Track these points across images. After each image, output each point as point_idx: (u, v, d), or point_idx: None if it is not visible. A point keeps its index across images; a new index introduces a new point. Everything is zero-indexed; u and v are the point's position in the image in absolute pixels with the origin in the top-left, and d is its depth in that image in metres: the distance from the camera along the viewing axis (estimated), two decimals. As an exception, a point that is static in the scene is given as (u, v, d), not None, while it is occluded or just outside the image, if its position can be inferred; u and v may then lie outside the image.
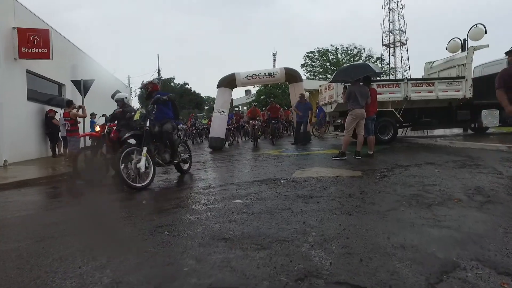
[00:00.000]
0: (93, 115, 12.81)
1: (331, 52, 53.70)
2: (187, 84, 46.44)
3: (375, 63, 42.49)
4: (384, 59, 54.43)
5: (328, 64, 53.73)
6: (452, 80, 9.84)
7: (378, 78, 9.62)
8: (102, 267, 2.06)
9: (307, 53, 52.05)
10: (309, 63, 53.16)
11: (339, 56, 53.77)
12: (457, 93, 9.71)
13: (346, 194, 3.70)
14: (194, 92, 46.26)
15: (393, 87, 9.70)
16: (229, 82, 12.44)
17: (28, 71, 11.14)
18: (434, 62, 11.44)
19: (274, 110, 14.27)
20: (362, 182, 4.39)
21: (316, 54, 53.58)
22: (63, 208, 4.25)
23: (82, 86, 10.21)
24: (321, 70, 52.80)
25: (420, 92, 9.58)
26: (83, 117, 8.96)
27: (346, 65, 6.96)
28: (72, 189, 5.91)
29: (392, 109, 9.63)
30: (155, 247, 2.36)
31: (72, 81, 10.44)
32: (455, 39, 11.11)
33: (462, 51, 10.78)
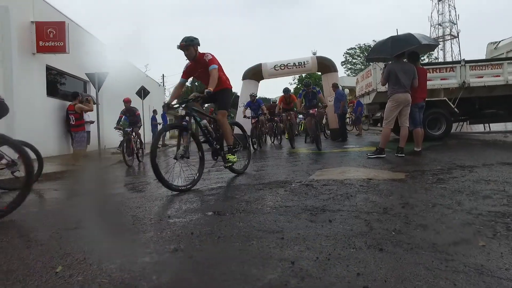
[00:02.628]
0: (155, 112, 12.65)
1: (373, 47, 50.67)
2: (224, 84, 46.24)
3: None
4: (432, 53, 50.43)
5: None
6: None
7: (426, 59, 7.93)
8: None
9: (348, 49, 49.79)
10: (350, 60, 50.87)
11: (382, 51, 50.63)
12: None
13: (380, 207, 2.38)
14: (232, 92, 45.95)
15: (446, 71, 7.97)
16: (254, 74, 11.33)
17: (48, 67, 10.85)
18: (499, 42, 9.41)
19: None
20: (406, 188, 3.02)
21: (357, 50, 51.12)
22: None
23: (97, 80, 9.63)
24: (363, 67, 50.19)
25: (482, 77, 7.73)
26: (89, 110, 8.32)
27: (385, 38, 5.46)
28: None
29: (445, 98, 7.89)
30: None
31: (87, 74, 9.92)
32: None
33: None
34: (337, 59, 53.74)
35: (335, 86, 10.01)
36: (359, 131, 13.25)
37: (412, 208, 2.32)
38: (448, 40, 56.77)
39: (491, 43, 9.62)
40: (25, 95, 9.34)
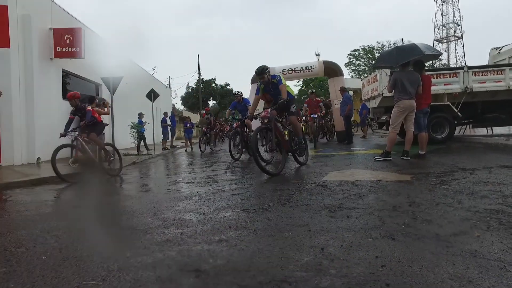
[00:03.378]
0: (141, 115, 12.89)
1: (377, 49, 50.98)
2: (229, 85, 46.54)
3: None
4: (441, 59, 50.36)
5: (374, 62, 50.92)
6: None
7: (430, 66, 8.23)
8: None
9: (351, 51, 49.84)
10: (354, 61, 50.87)
11: (386, 53, 50.76)
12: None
13: (389, 205, 2.72)
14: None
15: (449, 77, 8.27)
16: (262, 78, 11.67)
17: (64, 71, 11.27)
18: (502, 47, 9.70)
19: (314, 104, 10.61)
20: (412, 189, 3.36)
21: (361, 52, 51.19)
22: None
23: (111, 84, 10.02)
24: (366, 68, 50.35)
25: (484, 82, 8.04)
26: (106, 114, 8.70)
27: (390, 48, 5.77)
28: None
29: (448, 102, 8.20)
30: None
31: (102, 78, 10.32)
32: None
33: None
34: (340, 60, 53.81)
35: (342, 90, 10.33)
36: (364, 133, 13.57)
37: (418, 206, 2.65)
38: (452, 41, 56.71)
39: (494, 48, 9.90)
40: (43, 98, 9.75)
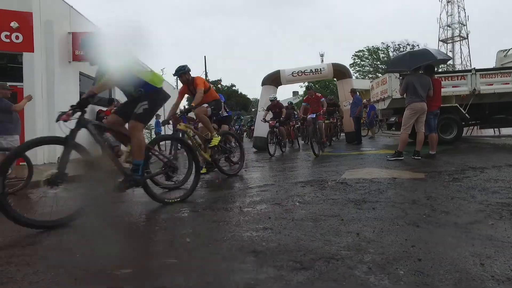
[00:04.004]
0: (158, 116, 13.19)
1: (381, 50, 51.11)
2: (234, 85, 46.95)
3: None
4: (452, 64, 50.24)
5: (378, 63, 51.09)
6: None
7: (439, 69, 8.49)
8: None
9: (356, 52, 49.93)
10: (358, 62, 50.93)
11: (391, 54, 50.92)
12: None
13: (409, 199, 3.01)
14: (241, 93, 46.64)
15: (457, 79, 8.53)
16: (273, 80, 11.98)
17: (81, 73, 11.66)
18: (509, 50, 9.93)
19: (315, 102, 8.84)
20: (427, 185, 3.64)
21: (366, 52, 51.28)
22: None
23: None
24: (371, 69, 50.50)
25: (492, 84, 8.29)
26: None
27: (403, 52, 6.06)
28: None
29: (456, 104, 8.46)
30: (168, 258, 1.94)
31: (119, 81, 10.70)
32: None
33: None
34: (345, 61, 53.95)
35: (353, 92, 10.63)
36: (372, 134, 13.84)
37: (435, 200, 2.95)
38: (457, 41, 56.61)
39: (501, 50, 10.12)
40: (63, 100, 10.12)
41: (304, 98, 9.45)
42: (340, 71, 11.99)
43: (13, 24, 8.70)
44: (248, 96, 48.84)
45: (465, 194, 3.11)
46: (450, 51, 55.58)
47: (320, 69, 11.94)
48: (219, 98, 5.75)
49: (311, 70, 11.88)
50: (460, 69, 48.85)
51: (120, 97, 12.29)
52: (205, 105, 5.30)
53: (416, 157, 5.82)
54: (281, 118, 9.33)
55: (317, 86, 37.79)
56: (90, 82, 12.88)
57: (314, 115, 7.82)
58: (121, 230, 2.71)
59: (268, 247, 2.01)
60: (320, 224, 2.41)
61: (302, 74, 11.90)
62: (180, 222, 2.81)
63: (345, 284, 1.50)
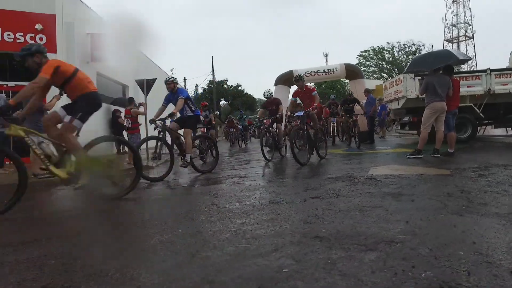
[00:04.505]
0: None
1: (387, 50, 51.15)
2: (240, 86, 47.15)
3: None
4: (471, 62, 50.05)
5: (384, 63, 51.17)
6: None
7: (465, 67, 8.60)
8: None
9: (361, 52, 50.05)
10: (363, 62, 50.96)
11: (396, 54, 51.00)
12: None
13: (443, 192, 3.19)
14: (247, 93, 46.86)
15: (472, 79, 8.67)
16: (287, 80, 12.20)
17: (98, 74, 11.92)
18: (522, 50, 10.05)
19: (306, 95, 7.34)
20: (456, 180, 3.81)
21: (371, 52, 51.35)
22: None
23: (145, 85, 10.62)
24: (376, 69, 50.57)
25: (507, 84, 8.43)
26: (143, 114, 9.28)
27: (423, 53, 6.23)
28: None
29: (471, 104, 8.61)
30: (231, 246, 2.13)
31: (136, 80, 10.93)
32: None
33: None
34: (350, 61, 53.93)
35: (367, 91, 10.82)
36: (382, 133, 14.00)
37: (469, 193, 3.12)
38: (462, 41, 56.39)
39: (514, 51, 10.27)
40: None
41: (294, 92, 7.73)
42: (352, 72, 12.18)
43: (38, 26, 8.96)
44: (254, 96, 49.01)
45: (496, 188, 3.28)
46: (456, 51, 55.35)
47: (333, 69, 12.13)
48: (92, 91, 3.93)
49: (324, 70, 12.09)
50: (466, 69, 48.73)
51: (135, 96, 12.55)
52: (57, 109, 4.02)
53: (435, 155, 5.98)
54: (277, 116, 7.83)
55: (323, 86, 37.95)
56: (107, 83, 13.20)
57: (301, 113, 6.42)
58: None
59: (329, 234, 2.19)
60: (368, 214, 2.59)
61: (315, 74, 12.11)
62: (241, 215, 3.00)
63: (413, 262, 1.68)
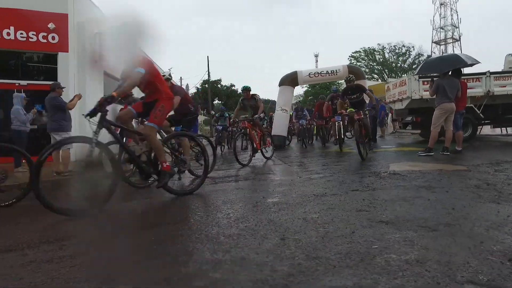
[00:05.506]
0: None
1: (377, 51, 52.15)
2: (233, 85, 47.33)
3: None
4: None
5: (374, 64, 52.17)
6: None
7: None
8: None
9: (353, 53, 50.82)
10: (355, 63, 51.72)
11: (386, 55, 52.08)
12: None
13: (471, 185, 3.52)
14: (240, 94, 46.98)
15: (472, 81, 9.13)
16: (291, 80, 12.48)
17: (104, 73, 12.00)
18: (518, 54, 10.60)
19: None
20: (476, 175, 4.15)
21: (362, 54, 52.25)
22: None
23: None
24: (367, 70, 51.43)
25: (505, 86, 8.93)
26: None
27: (433, 57, 6.62)
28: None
29: (471, 105, 9.07)
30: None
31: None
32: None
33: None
34: (341, 61, 54.58)
35: (371, 92, 11.18)
36: (382, 133, 14.45)
37: (495, 185, 3.45)
38: (450, 43, 57.69)
39: (510, 54, 10.79)
40: (92, 98, 10.45)
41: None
42: (355, 73, 12.45)
43: (50, 26, 9.03)
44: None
45: (517, 181, 3.63)
46: (444, 52, 56.70)
47: (336, 70, 12.46)
48: None
49: (327, 71, 12.40)
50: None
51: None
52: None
53: (445, 153, 6.36)
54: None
55: (317, 86, 38.37)
56: (111, 82, 13.26)
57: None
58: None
59: (390, 219, 2.47)
60: (413, 203, 2.89)
61: (318, 75, 12.42)
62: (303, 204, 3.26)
63: (477, 239, 1.98)
